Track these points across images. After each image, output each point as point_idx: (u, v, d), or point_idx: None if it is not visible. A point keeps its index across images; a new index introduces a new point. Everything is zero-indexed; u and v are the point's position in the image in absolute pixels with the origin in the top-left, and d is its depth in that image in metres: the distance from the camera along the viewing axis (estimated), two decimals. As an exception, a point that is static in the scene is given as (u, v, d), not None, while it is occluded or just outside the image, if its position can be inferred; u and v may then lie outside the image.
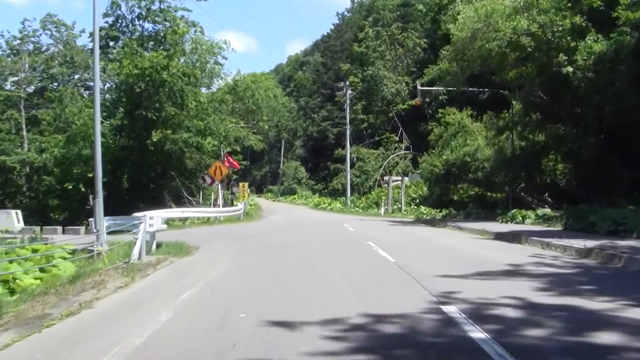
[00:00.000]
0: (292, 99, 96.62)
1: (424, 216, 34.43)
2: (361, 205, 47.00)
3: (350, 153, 52.81)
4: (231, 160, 42.02)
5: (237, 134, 41.50)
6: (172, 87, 30.65)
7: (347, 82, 54.54)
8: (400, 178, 40.15)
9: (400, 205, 39.41)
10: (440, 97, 51.27)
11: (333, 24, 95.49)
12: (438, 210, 35.59)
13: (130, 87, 31.47)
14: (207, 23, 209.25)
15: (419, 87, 34.58)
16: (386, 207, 38.56)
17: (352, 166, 53.49)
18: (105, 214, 15.72)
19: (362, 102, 60.10)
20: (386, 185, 44.37)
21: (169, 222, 27.52)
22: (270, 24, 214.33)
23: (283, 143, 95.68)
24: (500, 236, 17.58)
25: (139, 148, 31.88)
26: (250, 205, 47.71)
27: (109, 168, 33.85)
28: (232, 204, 40.97)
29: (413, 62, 61.17)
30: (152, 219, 12.30)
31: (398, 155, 54.04)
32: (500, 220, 24.84)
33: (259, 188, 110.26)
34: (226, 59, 49.40)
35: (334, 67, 76.61)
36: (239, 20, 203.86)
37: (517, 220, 23.65)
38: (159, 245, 14.15)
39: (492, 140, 34.87)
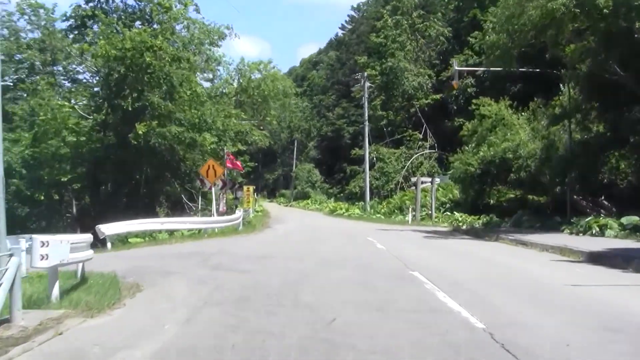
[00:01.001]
0: (306, 99, 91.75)
1: (460, 224, 28.96)
2: (382, 210, 41.60)
3: (369, 153, 47.45)
4: (234, 160, 36.88)
5: (239, 128, 36.16)
6: (158, 72, 25.48)
7: (365, 74, 49.02)
8: (429, 179, 34.65)
9: (429, 211, 33.95)
10: (468, 89, 45.75)
11: (348, 16, 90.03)
12: (475, 217, 30.13)
13: (108, 73, 26.44)
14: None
15: (455, 67, 29.03)
16: (414, 213, 33.14)
17: (371, 167, 48.09)
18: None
19: (381, 97, 54.69)
20: (413, 187, 38.91)
21: (153, 235, 23.29)
22: (283, 28, 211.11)
23: (296, 144, 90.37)
24: (598, 258, 12.11)
25: (119, 145, 26.79)
26: (258, 211, 42.58)
27: (85, 170, 28.92)
28: (234, 211, 35.86)
29: (436, 54, 55.68)
30: (48, 246, 7.06)
31: (422, 154, 48.56)
32: (568, 231, 19.40)
33: (271, 192, 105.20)
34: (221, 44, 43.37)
35: (350, 62, 71.31)
36: (252, 25, 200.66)
37: (594, 231, 18.17)
38: (84, 281, 8.96)
39: (540, 133, 29.37)
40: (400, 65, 53.06)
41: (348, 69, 70.83)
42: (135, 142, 25.52)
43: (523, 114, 33.01)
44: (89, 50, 28.82)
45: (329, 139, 71.75)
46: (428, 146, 49.24)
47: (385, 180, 47.88)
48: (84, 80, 35.36)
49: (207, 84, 40.65)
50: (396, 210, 40.15)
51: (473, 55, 44.98)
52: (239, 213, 29.27)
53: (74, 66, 34.75)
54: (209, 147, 32.11)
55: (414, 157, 47.91)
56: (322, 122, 77.29)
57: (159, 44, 25.28)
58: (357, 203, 49.00)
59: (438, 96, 51.37)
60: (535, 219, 24.64)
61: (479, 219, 29.48)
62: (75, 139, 27.67)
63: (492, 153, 31.06)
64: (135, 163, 27.61)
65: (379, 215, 39.77)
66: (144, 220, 19.60)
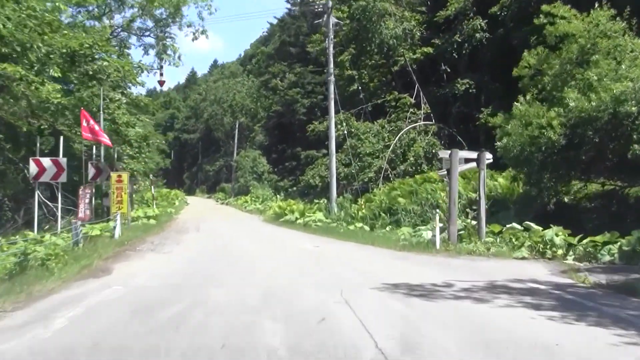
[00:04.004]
0: (254, 77, 75.09)
1: (583, 256, 12.88)
2: (359, 214, 25.22)
3: (336, 124, 31.02)
4: (93, 126, 20.15)
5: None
6: None
7: (329, 1, 32.12)
8: (473, 155, 17.05)
9: (474, 221, 17.32)
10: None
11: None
12: (567, 234, 14.13)
13: None
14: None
15: None
16: (446, 226, 16.10)
17: (338, 148, 31.76)
18: None
19: (351, 49, 38.18)
20: (407, 176, 22.38)
21: None
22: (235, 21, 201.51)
23: (237, 126, 73.36)
24: None
25: None
26: (149, 218, 25.87)
27: None
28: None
29: (425, -7, 39.54)
30: None
31: (415, 127, 32.41)
32: None
33: (212, 187, 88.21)
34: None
35: (306, 15, 54.65)
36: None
37: None
38: None
39: None
40: (377, 5, 36.72)
41: (306, 26, 54.08)
42: None
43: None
44: None
45: (278, 115, 54.85)
46: (422, 115, 33.09)
47: (361, 166, 31.50)
48: None
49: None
50: (383, 214, 23.95)
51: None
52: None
53: None
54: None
55: (403, 131, 31.70)
56: (272, 100, 60.18)
57: None
58: (317, 200, 32.46)
59: (429, 49, 35.40)
60: None
61: (586, 240, 13.57)
62: None
63: (590, 105, 15.25)
64: None
65: (356, 223, 23.33)
66: None
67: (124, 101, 28.96)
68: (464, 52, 33.27)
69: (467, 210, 20.81)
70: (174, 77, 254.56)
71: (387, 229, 21.31)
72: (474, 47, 33.35)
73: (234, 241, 19.31)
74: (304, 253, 15.41)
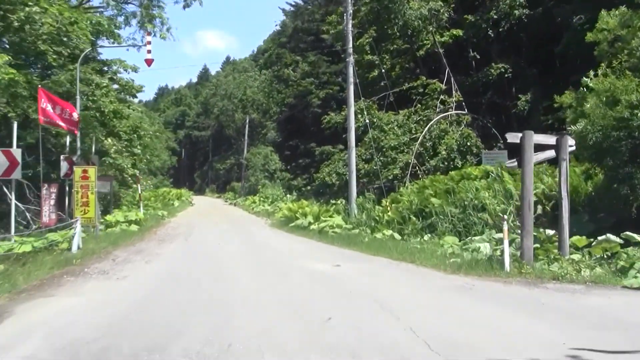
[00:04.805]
0: (267, 72, 70.97)
1: None
2: (385, 218, 21.01)
3: (356, 113, 26.83)
4: (54, 99, 16.27)
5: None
6: None
7: None
8: (551, 141, 12.83)
9: (549, 230, 13.02)
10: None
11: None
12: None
13: None
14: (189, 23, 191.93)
15: None
16: (520, 236, 11.61)
17: (357, 142, 27.51)
18: None
19: (371, 32, 33.91)
20: (422, 175, 17.97)
21: None
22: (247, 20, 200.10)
23: (247, 122, 69.46)
24: None
25: None
26: (131, 223, 21.90)
27: None
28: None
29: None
30: None
31: (447, 116, 28.19)
32: None
33: (222, 186, 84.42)
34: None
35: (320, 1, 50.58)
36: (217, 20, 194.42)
37: None
38: None
39: None
40: (400, -18, 32.43)
41: (318, 13, 49.92)
42: None
43: None
44: None
45: (291, 108, 50.64)
46: (454, 104, 28.82)
47: (384, 161, 27.29)
48: None
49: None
50: (413, 218, 19.77)
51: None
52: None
53: None
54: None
55: (433, 120, 27.47)
56: (284, 94, 55.91)
57: None
58: (334, 201, 28.25)
59: (459, 31, 31.19)
60: None
61: None
62: None
63: None
64: None
65: (384, 230, 19.11)
66: None
67: (114, 87, 25.11)
68: (500, 30, 29.06)
69: (566, 221, 16.80)
70: (186, 74, 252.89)
71: (425, 237, 17.06)
72: (511, 27, 29.25)
73: (223, 258, 14.92)
74: (319, 282, 10.62)
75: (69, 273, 11.56)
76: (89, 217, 17.04)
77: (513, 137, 11.57)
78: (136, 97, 28.36)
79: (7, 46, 20.33)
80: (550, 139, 11.85)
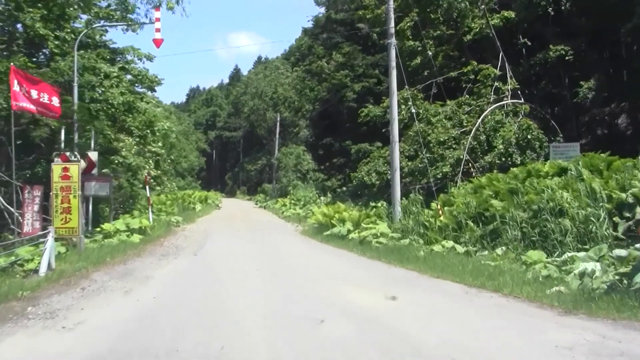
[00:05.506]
0: (299, 69, 68.14)
1: None
2: (437, 224, 17.67)
3: (399, 104, 23.54)
4: (32, 79, 13.39)
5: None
6: None
7: None
8: None
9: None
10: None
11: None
12: None
13: None
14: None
15: None
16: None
17: (399, 137, 24.13)
18: None
19: (413, 15, 30.55)
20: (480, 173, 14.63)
21: None
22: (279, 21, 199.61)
23: (279, 121, 66.57)
24: None
25: None
26: (133, 232, 18.92)
27: None
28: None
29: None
30: None
31: (502, 105, 24.70)
32: None
33: (254, 187, 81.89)
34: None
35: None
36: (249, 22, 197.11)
37: None
38: None
39: None
40: (444, -42, 29.04)
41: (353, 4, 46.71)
42: None
43: None
44: None
45: (324, 103, 47.52)
46: (509, 92, 25.29)
47: (431, 158, 23.87)
48: None
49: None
50: (471, 224, 16.47)
51: None
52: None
53: None
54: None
55: (488, 110, 24.00)
56: (316, 91, 52.80)
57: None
58: (373, 203, 24.89)
59: (511, 13, 27.72)
60: None
61: None
62: None
63: None
64: None
65: (443, 242, 15.70)
66: None
67: (126, 78, 22.34)
68: (562, 8, 25.62)
69: (615, 219, 13.49)
70: (217, 75, 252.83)
71: (498, 251, 13.68)
72: (573, 3, 25.93)
73: (234, 287, 10.89)
74: (370, 334, 6.99)
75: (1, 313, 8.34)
76: (71, 227, 14.10)
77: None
78: (154, 90, 25.49)
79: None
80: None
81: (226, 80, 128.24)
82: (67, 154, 15.79)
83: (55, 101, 14.54)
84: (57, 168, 14.36)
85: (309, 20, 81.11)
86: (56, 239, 12.84)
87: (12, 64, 13.65)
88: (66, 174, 14.31)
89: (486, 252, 13.68)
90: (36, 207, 14.16)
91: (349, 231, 19.94)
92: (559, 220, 14.32)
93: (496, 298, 9.04)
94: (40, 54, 20.14)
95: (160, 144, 29.23)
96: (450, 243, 14.73)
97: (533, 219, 15.10)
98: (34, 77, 13.99)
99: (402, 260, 13.70)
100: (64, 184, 14.27)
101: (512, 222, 15.32)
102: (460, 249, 14.34)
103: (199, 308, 8.76)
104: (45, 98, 13.92)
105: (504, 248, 13.67)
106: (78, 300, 9.40)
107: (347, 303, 8.98)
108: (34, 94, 13.32)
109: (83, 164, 15.81)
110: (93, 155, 17.04)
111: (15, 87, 12.76)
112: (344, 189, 38.76)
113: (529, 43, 28.45)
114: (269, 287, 10.87)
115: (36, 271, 11.06)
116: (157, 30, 17.02)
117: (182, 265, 13.95)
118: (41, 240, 11.74)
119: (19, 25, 18.24)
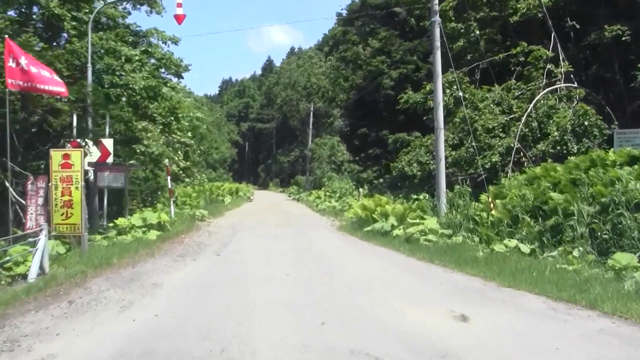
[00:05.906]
0: (333, 59, 66.43)
1: None
2: (490, 219, 15.97)
3: (444, 88, 21.79)
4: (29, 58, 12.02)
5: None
6: None
7: None
8: None
9: None
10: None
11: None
12: None
13: None
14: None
15: None
16: None
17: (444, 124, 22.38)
18: None
19: (455, -3, 28.61)
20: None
21: None
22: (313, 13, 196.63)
23: (312, 111, 65.08)
24: None
25: None
26: (151, 227, 17.53)
27: None
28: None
29: None
30: None
31: (554, 91, 22.74)
32: None
33: (287, 179, 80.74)
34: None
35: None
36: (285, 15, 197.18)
37: None
38: None
39: None
40: None
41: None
42: None
43: None
44: None
45: (360, 91, 45.75)
46: (562, 75, 23.29)
47: (478, 147, 22.03)
48: None
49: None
50: (527, 219, 14.74)
51: None
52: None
53: None
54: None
55: (540, 94, 22.07)
56: (351, 81, 51.02)
57: None
58: (414, 195, 23.20)
59: (563, -8, 25.61)
60: None
61: None
62: None
63: None
64: None
65: (506, 241, 13.92)
66: None
67: (150, 62, 21.09)
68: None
69: None
70: (249, 66, 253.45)
71: (575, 253, 11.90)
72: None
73: (258, 299, 8.89)
74: None
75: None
76: (72, 224, 12.56)
77: None
78: (181, 77, 24.18)
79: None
80: None
81: (259, 72, 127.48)
82: (79, 140, 14.46)
83: (57, 77, 13.04)
84: (56, 155, 12.78)
85: (342, 9, 79.53)
86: (57, 237, 11.51)
87: (6, 36, 12.21)
88: (67, 162, 12.75)
89: (555, 253, 11.92)
90: (40, 200, 12.75)
91: (392, 227, 18.15)
92: (636, 215, 12.52)
93: (597, 319, 7.22)
94: (60, 37, 18.98)
95: (189, 134, 27.99)
96: (513, 242, 13.00)
97: (603, 213, 13.31)
98: (29, 55, 12.56)
99: (459, 263, 11.95)
100: (65, 174, 12.72)
101: (579, 218, 13.56)
102: (525, 248, 12.61)
103: (209, 334, 6.80)
104: (46, 73, 12.41)
105: (570, 247, 11.89)
106: (57, 320, 7.58)
107: (406, 327, 7.16)
108: (34, 69, 11.89)
109: (97, 152, 14.48)
110: (107, 143, 15.71)
111: (11, 63, 11.42)
112: (381, 180, 37.08)
113: (577, 26, 26.35)
114: (302, 301, 8.83)
115: (25, 276, 9.75)
116: (179, 5, 15.63)
117: (200, 269, 12.22)
118: (38, 238, 10.30)
119: (35, 9, 17.11)
